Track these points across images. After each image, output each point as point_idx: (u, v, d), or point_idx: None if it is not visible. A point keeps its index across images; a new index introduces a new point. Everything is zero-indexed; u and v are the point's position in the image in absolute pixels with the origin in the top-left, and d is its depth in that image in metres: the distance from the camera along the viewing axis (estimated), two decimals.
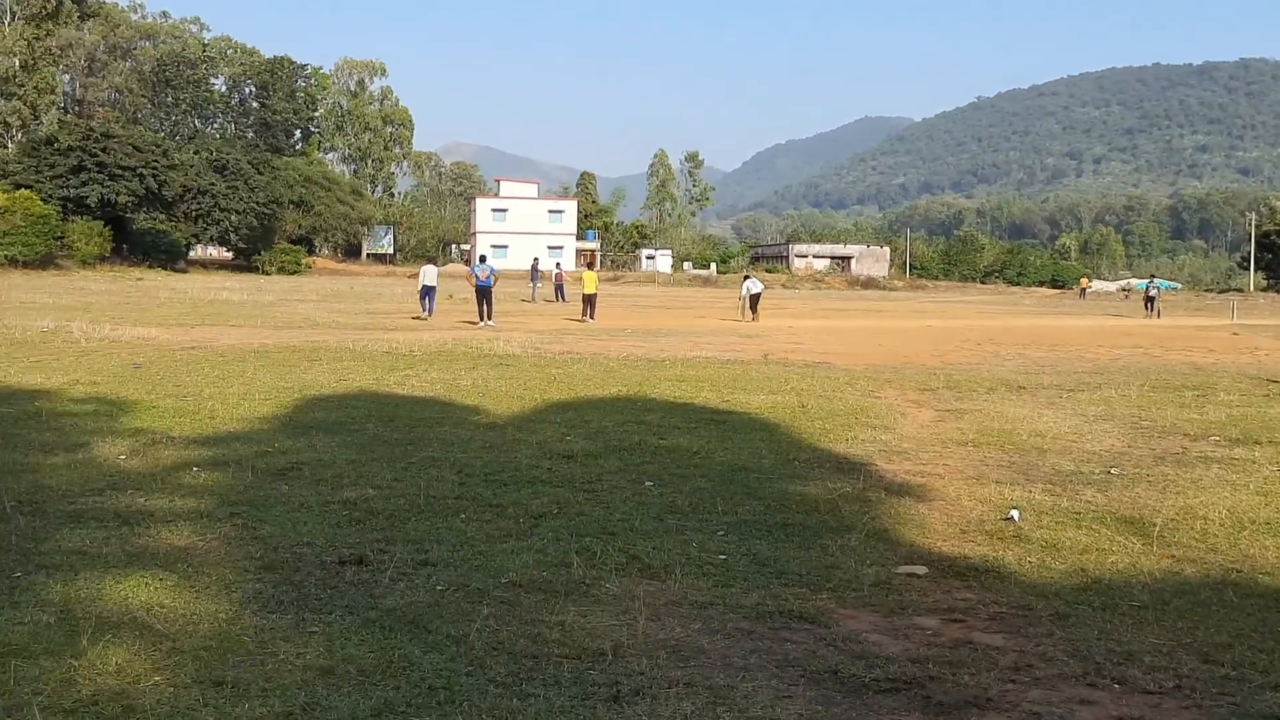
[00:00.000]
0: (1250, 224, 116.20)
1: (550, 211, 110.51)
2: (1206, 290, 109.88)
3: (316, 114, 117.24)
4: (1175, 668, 4.63)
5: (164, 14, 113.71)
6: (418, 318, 31.49)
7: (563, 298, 47.04)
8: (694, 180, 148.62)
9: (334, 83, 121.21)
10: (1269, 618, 5.35)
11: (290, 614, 5.06)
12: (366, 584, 5.59)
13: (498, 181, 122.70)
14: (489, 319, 29.02)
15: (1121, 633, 5.10)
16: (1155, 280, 54.43)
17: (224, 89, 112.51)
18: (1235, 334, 32.98)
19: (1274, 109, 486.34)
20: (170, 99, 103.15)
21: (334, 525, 6.77)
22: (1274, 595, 5.75)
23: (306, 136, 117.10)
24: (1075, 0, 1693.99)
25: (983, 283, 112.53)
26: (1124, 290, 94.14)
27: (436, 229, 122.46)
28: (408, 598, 5.36)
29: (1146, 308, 48.43)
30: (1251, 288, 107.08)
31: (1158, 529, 7.09)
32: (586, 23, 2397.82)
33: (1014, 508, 7.55)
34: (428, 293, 32.27)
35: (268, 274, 74.57)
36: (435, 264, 34.23)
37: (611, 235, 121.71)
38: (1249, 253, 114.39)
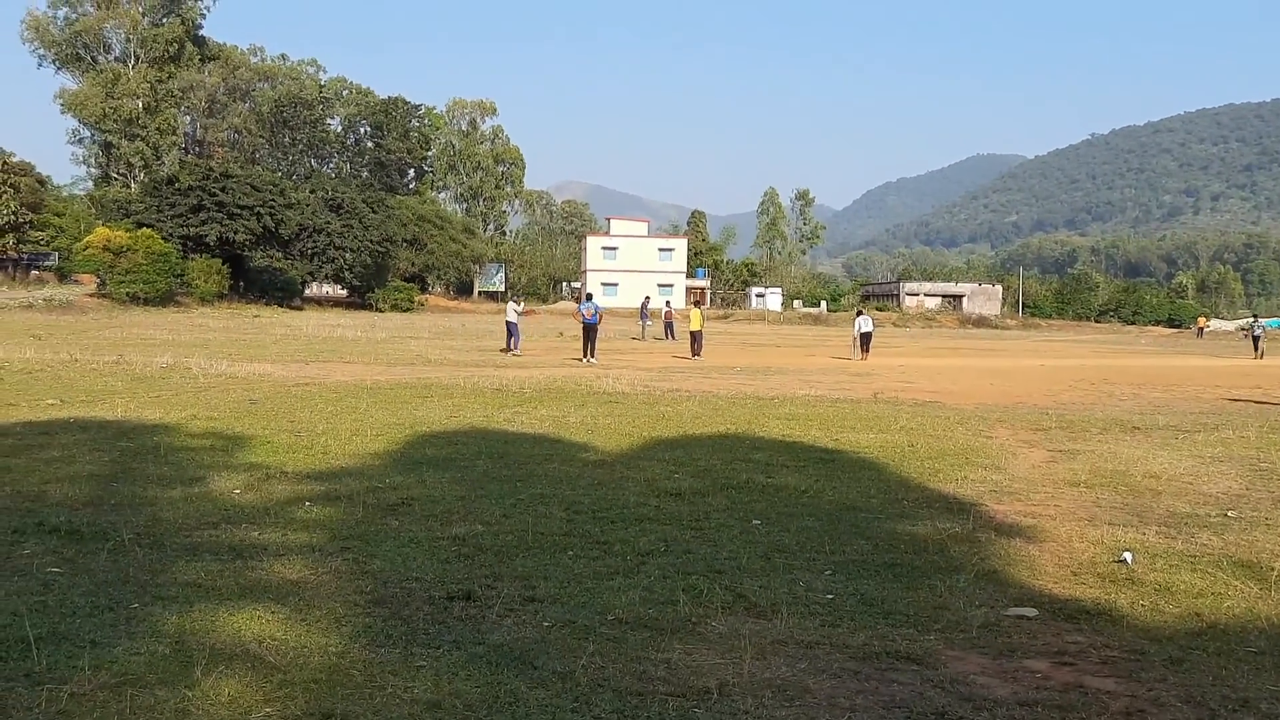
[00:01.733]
0: None
1: (660, 250, 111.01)
2: None
3: (429, 153, 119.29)
4: None
5: (282, 56, 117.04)
6: (504, 350, 32.62)
7: (672, 335, 47.29)
8: (804, 218, 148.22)
9: (446, 122, 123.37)
10: None
11: (399, 648, 5.15)
12: (474, 619, 5.67)
13: (608, 220, 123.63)
14: (592, 356, 29.36)
15: (1237, 679, 4.99)
16: (1260, 320, 53.14)
17: (340, 129, 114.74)
18: None
19: None
20: (287, 139, 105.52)
21: (443, 561, 6.88)
22: None
23: (420, 175, 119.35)
24: (1192, 37, 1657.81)
25: (1097, 322, 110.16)
26: (1243, 330, 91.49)
27: (547, 267, 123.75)
28: (514, 634, 5.43)
29: (1254, 348, 47.14)
30: None
31: (1276, 573, 6.89)
32: (696, 62, 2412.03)
33: (1127, 550, 7.42)
34: (509, 328, 33.41)
35: (381, 311, 75.75)
36: (514, 302, 35.75)
37: (721, 273, 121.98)
38: None
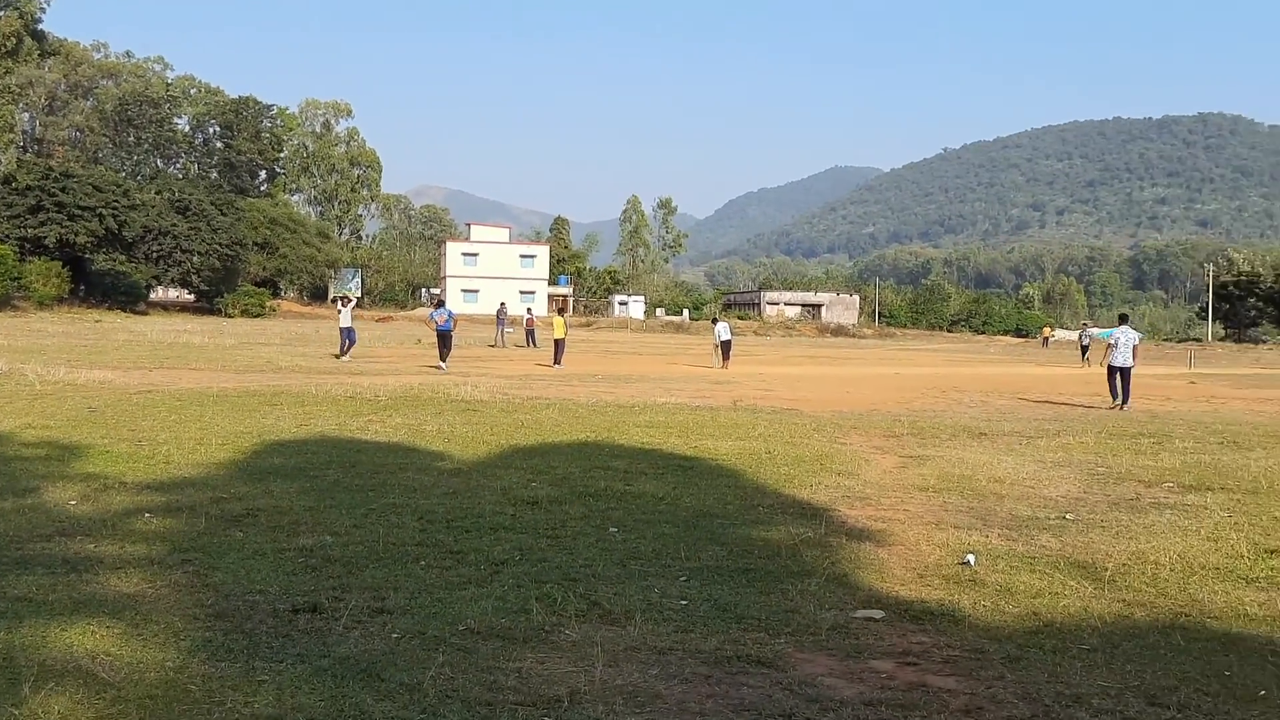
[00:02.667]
0: (1208, 275, 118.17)
1: (522, 256, 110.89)
2: (1166, 340, 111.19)
3: (282, 155, 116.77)
4: (1122, 710, 4.71)
5: (127, 53, 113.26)
6: (338, 356, 32.21)
7: (533, 343, 47.11)
8: (667, 227, 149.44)
9: (300, 123, 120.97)
10: (1215, 661, 5.45)
11: (240, 662, 5.03)
12: (320, 632, 5.57)
13: (469, 225, 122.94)
14: (443, 362, 29.15)
15: (1071, 675, 5.17)
16: (1089, 329, 55.25)
17: (187, 129, 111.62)
18: (1193, 383, 33.44)
19: (1231, 162, 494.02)
20: (132, 138, 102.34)
21: (289, 573, 6.74)
22: (1221, 639, 5.85)
23: (272, 177, 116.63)
24: (1039, 55, 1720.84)
25: (949, 331, 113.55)
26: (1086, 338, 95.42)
27: (405, 272, 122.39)
28: (362, 646, 5.34)
29: (1081, 356, 48.87)
30: (1209, 337, 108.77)
31: (1109, 573, 7.19)
32: (558, 68, 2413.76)
33: (970, 552, 7.65)
34: (345, 334, 33.09)
35: (230, 316, 74.09)
36: (346, 304, 35.20)
37: (584, 281, 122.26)
38: (1207, 303, 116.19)
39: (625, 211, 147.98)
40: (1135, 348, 22.34)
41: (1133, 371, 22.11)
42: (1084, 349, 49.75)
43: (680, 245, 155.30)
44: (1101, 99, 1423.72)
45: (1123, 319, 24.97)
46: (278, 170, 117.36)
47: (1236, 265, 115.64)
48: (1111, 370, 22.19)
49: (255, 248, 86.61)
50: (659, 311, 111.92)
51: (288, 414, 15.77)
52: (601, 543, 7.80)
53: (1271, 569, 7.45)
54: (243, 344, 40.27)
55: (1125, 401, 21.58)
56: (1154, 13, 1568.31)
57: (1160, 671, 5.26)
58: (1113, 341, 22.78)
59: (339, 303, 37.98)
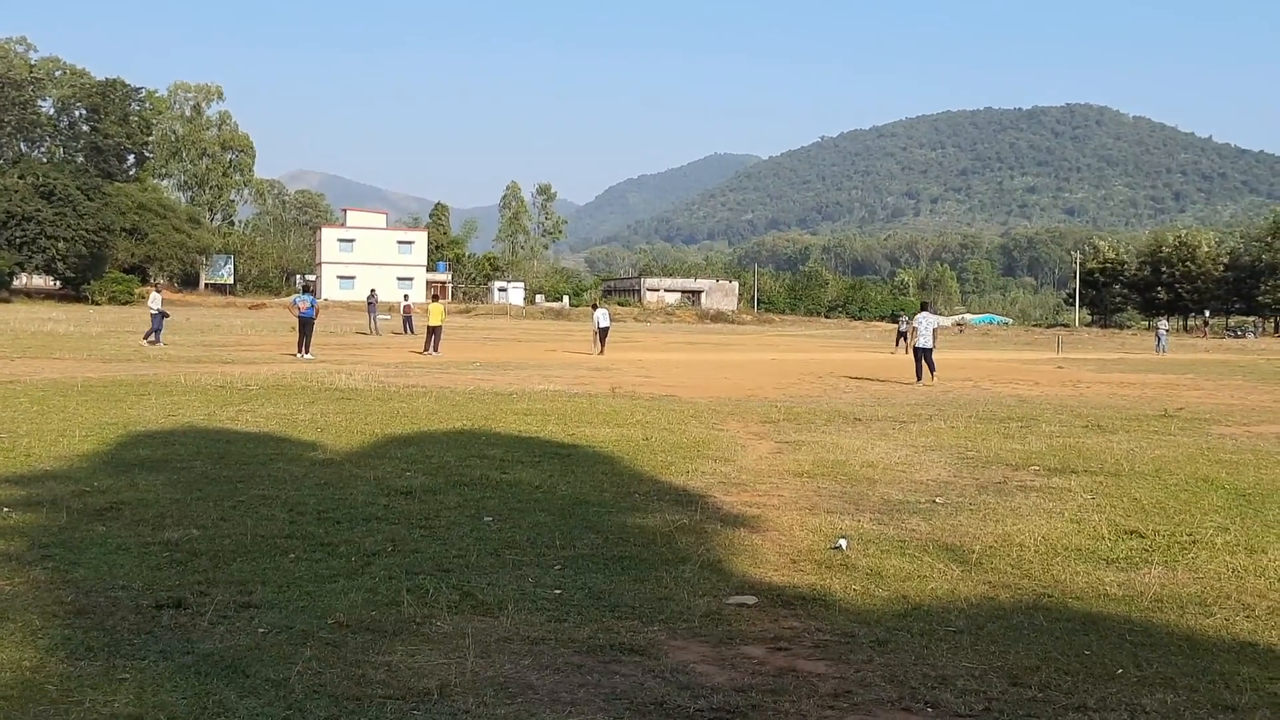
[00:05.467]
0: (1075, 262, 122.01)
1: (400, 242, 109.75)
2: (1035, 325, 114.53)
3: (151, 139, 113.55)
4: (986, 691, 4.80)
5: None
6: (149, 342, 31.86)
7: (411, 330, 46.60)
8: (546, 213, 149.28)
9: (169, 106, 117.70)
10: (1076, 641, 5.59)
11: (100, 660, 4.87)
12: (184, 628, 5.42)
13: (345, 211, 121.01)
14: (307, 351, 28.67)
15: (937, 657, 5.26)
16: (904, 316, 55.61)
17: (52, 111, 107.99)
18: (1060, 367, 34.41)
19: (1098, 152, 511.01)
20: None
21: (153, 567, 6.54)
22: (1082, 619, 6.01)
23: (141, 162, 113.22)
24: (912, 45, 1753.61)
25: (827, 317, 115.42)
26: (958, 324, 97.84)
27: (279, 259, 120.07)
28: (227, 641, 5.21)
29: (896, 342, 48.47)
30: (1076, 323, 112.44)
31: (976, 556, 7.36)
32: (434, 52, 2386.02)
33: (842, 537, 7.74)
34: (154, 320, 32.82)
35: (98, 304, 72.31)
36: (157, 290, 34.65)
37: (463, 267, 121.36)
38: (1074, 289, 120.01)
39: (504, 198, 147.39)
40: (935, 331, 24.89)
41: (934, 352, 24.62)
42: (901, 335, 50.07)
43: (560, 231, 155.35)
44: (973, 89, 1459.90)
45: (924, 306, 27.90)
46: (146, 154, 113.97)
47: (1102, 253, 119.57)
48: (917, 352, 24.71)
49: (123, 234, 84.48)
50: (539, 298, 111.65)
51: (155, 404, 15.36)
52: (476, 532, 7.72)
53: (1131, 550, 7.70)
54: (110, 332, 39.16)
55: (926, 376, 24.15)
56: (1023, 4, 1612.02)
57: (1023, 652, 5.38)
58: (916, 326, 25.05)
59: (156, 287, 37.30)
